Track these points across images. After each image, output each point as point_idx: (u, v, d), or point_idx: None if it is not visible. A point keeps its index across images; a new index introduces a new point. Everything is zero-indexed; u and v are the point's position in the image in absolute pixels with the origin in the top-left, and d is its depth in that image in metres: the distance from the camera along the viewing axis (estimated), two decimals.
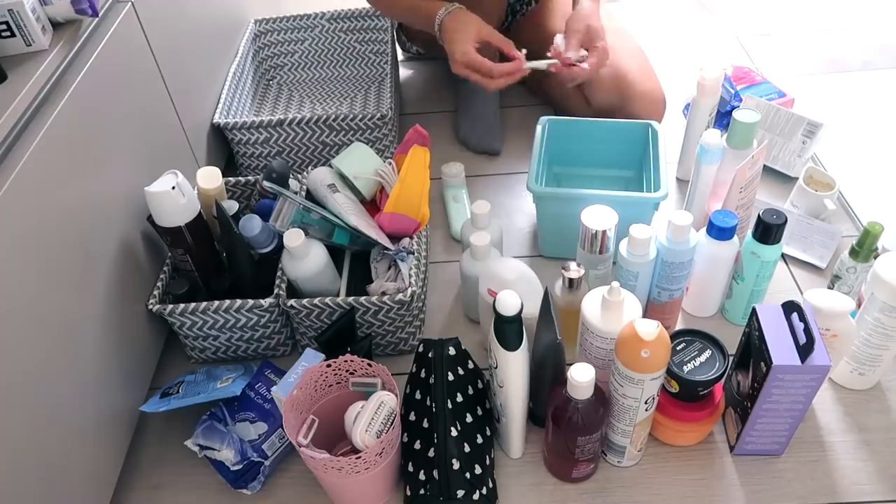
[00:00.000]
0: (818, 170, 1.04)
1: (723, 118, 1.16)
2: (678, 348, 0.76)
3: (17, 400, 0.62)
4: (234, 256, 0.89)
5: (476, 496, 0.72)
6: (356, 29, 1.36)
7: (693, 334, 0.77)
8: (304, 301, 0.84)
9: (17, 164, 0.64)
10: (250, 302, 0.85)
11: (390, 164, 0.95)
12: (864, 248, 0.85)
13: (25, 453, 0.63)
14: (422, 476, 0.73)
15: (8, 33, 0.72)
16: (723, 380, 0.77)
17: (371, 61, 1.39)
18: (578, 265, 0.83)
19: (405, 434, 0.77)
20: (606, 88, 1.12)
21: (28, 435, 0.63)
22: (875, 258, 0.84)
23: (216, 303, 0.85)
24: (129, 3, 0.87)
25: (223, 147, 1.17)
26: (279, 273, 0.88)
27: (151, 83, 0.93)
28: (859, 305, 0.81)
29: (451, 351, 0.77)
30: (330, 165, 0.97)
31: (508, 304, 0.68)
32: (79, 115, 0.74)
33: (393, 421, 0.71)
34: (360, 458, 0.68)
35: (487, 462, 0.76)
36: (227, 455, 0.78)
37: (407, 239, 0.90)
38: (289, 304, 0.84)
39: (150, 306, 0.85)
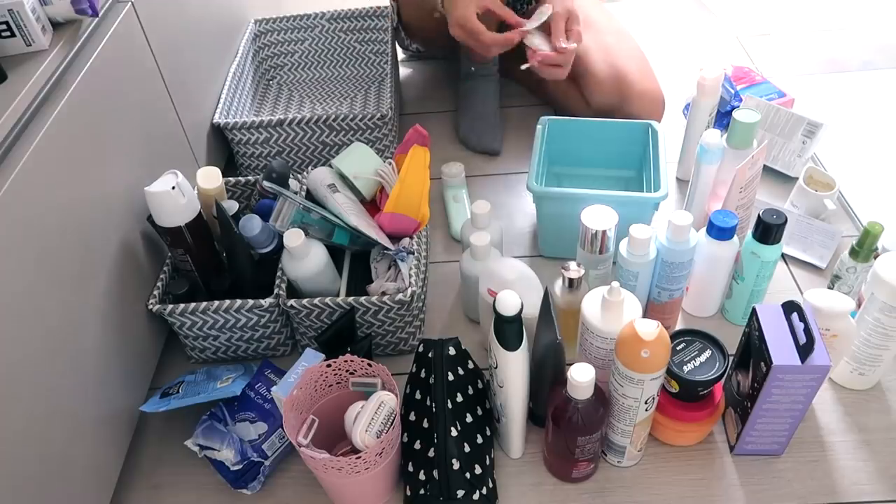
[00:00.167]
0: (818, 170, 1.04)
1: (723, 118, 1.16)
2: (678, 348, 0.76)
3: (18, 400, 0.62)
4: (234, 256, 0.89)
5: (476, 496, 0.72)
6: (356, 29, 1.36)
7: (693, 334, 0.77)
8: (304, 301, 0.84)
9: (17, 164, 0.64)
10: (250, 302, 0.85)
11: (390, 164, 0.95)
12: (864, 248, 0.85)
13: (26, 453, 0.63)
14: (422, 476, 0.73)
15: (8, 33, 0.72)
16: (723, 380, 0.77)
17: (371, 61, 1.39)
18: (578, 265, 0.83)
19: (405, 434, 0.77)
20: (606, 88, 1.12)
21: (28, 435, 0.63)
22: (875, 258, 0.84)
23: (216, 303, 0.85)
24: (129, 2, 0.87)
25: (223, 147, 1.17)
26: (279, 273, 0.88)
27: (151, 83, 0.93)
28: (859, 305, 0.81)
29: (451, 351, 0.77)
30: (330, 165, 0.97)
31: (508, 304, 0.68)
32: (79, 115, 0.74)
33: (393, 421, 0.71)
34: (360, 458, 0.68)
35: (487, 462, 0.76)
36: (227, 455, 0.78)
37: (407, 239, 0.90)
38: (289, 304, 0.84)
39: (150, 306, 0.85)
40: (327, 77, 1.40)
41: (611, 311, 0.73)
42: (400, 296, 0.83)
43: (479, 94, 1.26)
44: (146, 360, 0.88)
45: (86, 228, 0.75)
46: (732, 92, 1.17)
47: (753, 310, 0.74)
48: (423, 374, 0.77)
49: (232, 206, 0.94)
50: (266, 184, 0.91)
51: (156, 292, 0.87)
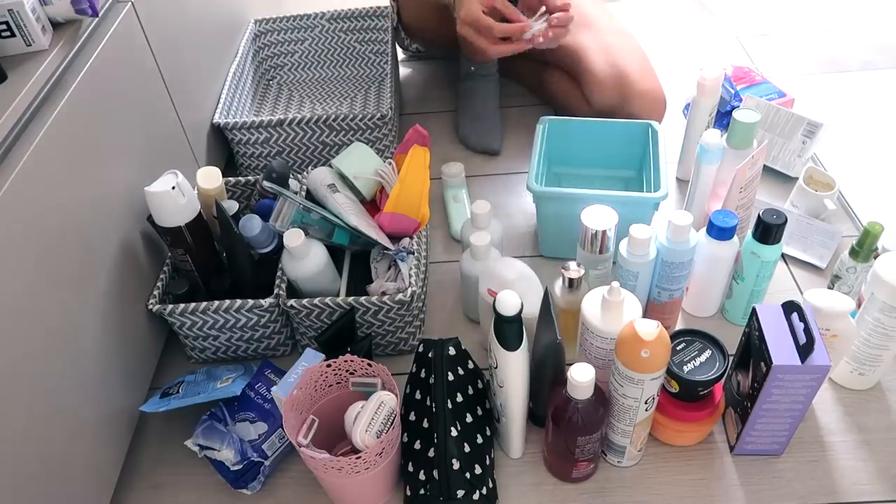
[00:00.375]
0: (818, 170, 1.04)
1: (723, 118, 1.16)
2: (678, 348, 0.76)
3: (18, 400, 0.62)
4: (234, 256, 0.89)
5: (476, 496, 0.72)
6: (356, 29, 1.36)
7: (693, 334, 0.77)
8: (304, 301, 0.84)
9: (17, 164, 0.64)
10: (250, 302, 0.85)
11: (390, 164, 0.95)
12: (864, 248, 0.85)
13: (26, 454, 0.63)
14: (422, 476, 0.73)
15: (8, 33, 0.72)
16: (723, 380, 0.77)
17: (371, 61, 1.39)
18: (578, 265, 0.83)
19: (405, 434, 0.77)
20: (607, 88, 1.12)
21: (28, 435, 0.63)
22: (875, 258, 0.84)
23: (216, 303, 0.85)
24: (129, 2, 0.87)
25: (223, 147, 1.17)
26: (279, 273, 0.88)
27: (151, 83, 0.93)
28: (859, 305, 0.81)
29: (451, 351, 0.77)
30: (330, 165, 0.97)
31: (508, 304, 0.68)
32: (79, 115, 0.74)
33: (393, 421, 0.71)
34: (360, 458, 0.68)
35: (487, 462, 0.76)
36: (227, 455, 0.78)
37: (407, 239, 0.90)
38: (289, 304, 0.84)
39: (150, 306, 0.85)
40: (327, 77, 1.40)
41: (611, 311, 0.73)
42: (400, 296, 0.83)
43: (478, 94, 1.26)
44: (146, 360, 0.88)
45: (86, 228, 0.75)
46: (732, 92, 1.17)
47: (753, 310, 0.74)
48: (423, 374, 0.77)
49: (232, 206, 0.94)
50: (266, 184, 0.91)
51: (156, 292, 0.87)
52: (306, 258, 0.85)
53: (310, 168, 1.00)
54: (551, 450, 0.77)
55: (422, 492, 0.72)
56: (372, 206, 0.98)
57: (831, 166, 1.15)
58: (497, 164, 1.23)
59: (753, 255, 0.85)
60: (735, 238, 0.85)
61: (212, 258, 0.91)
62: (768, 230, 0.82)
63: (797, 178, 1.06)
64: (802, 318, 0.70)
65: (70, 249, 0.71)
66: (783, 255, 1.02)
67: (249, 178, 1.02)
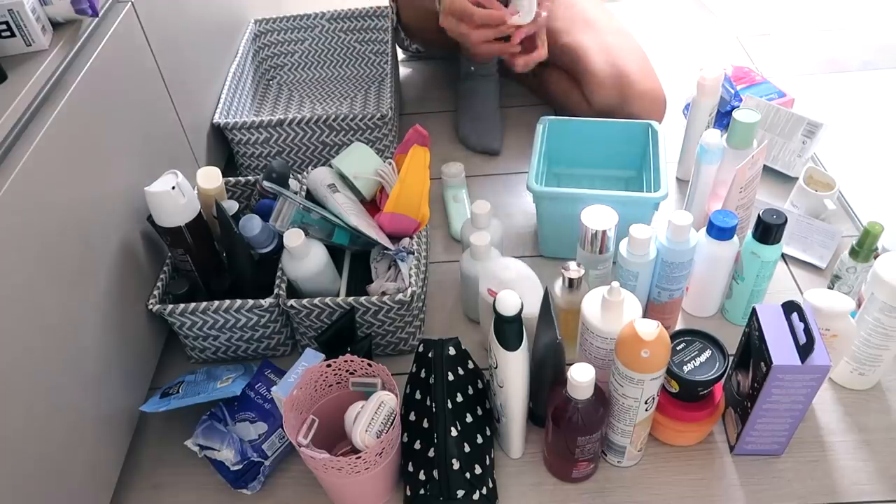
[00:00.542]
0: (818, 170, 1.04)
1: (723, 118, 1.16)
2: (678, 348, 0.76)
3: (18, 400, 0.62)
4: (234, 256, 0.89)
5: (476, 496, 0.72)
6: (356, 29, 1.36)
7: (693, 334, 0.77)
8: (304, 301, 0.84)
9: (17, 164, 0.64)
10: (250, 302, 0.85)
11: (390, 164, 0.95)
12: (864, 248, 0.85)
13: (25, 453, 0.63)
14: (422, 476, 0.73)
15: (8, 33, 0.72)
16: (723, 380, 0.77)
17: (371, 61, 1.39)
18: (578, 265, 0.83)
19: (405, 434, 0.77)
20: (607, 88, 1.12)
21: (28, 435, 0.63)
22: (875, 258, 0.84)
23: (216, 303, 0.85)
24: (129, 3, 0.87)
25: (223, 147, 1.17)
26: (279, 273, 0.88)
27: (151, 83, 0.93)
28: (859, 305, 0.81)
29: (451, 351, 0.77)
30: (330, 165, 0.97)
31: (508, 304, 0.68)
32: (79, 115, 0.74)
33: (393, 421, 0.71)
34: (360, 458, 0.68)
35: (487, 462, 0.76)
36: (227, 455, 0.78)
37: (407, 239, 0.90)
38: (289, 304, 0.84)
39: (150, 306, 0.85)
40: (327, 77, 1.40)
41: (611, 311, 0.73)
42: (400, 296, 0.83)
43: (478, 93, 1.26)
44: (146, 360, 0.88)
45: (86, 228, 0.75)
46: (732, 92, 1.17)
47: (753, 310, 0.74)
48: (423, 374, 0.77)
49: (232, 206, 0.94)
50: (266, 184, 0.91)
51: (156, 292, 0.87)
52: (306, 258, 0.85)
53: (310, 168, 1.00)
54: (551, 450, 0.77)
55: (422, 492, 0.72)
56: (372, 206, 0.98)
57: (831, 166, 1.15)
58: (497, 164, 1.23)
59: (753, 255, 0.85)
60: (735, 238, 0.85)
61: (212, 258, 0.91)
62: (768, 230, 0.82)
63: (797, 178, 1.06)
64: (802, 318, 0.70)
65: (70, 249, 0.71)
66: (783, 255, 1.02)
67: (249, 178, 1.02)
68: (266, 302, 0.85)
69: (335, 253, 0.91)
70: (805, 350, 0.69)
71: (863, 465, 0.79)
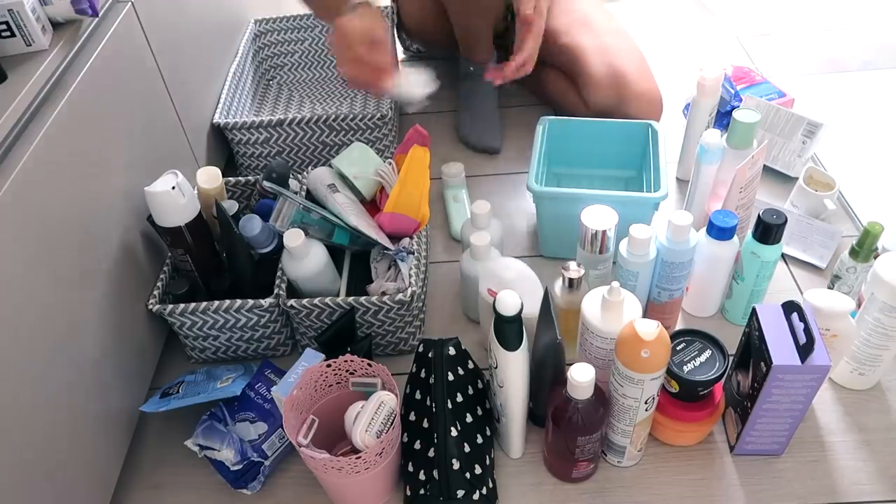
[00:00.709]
0: (818, 170, 1.04)
1: (723, 118, 1.16)
2: (678, 348, 0.76)
3: (18, 400, 0.62)
4: (234, 256, 0.89)
5: (476, 496, 0.72)
6: None
7: (693, 334, 0.77)
8: (304, 301, 0.84)
9: (17, 164, 0.64)
10: (250, 302, 0.85)
11: (390, 164, 0.95)
12: (864, 248, 0.85)
13: (26, 453, 0.63)
14: (422, 476, 0.73)
15: (8, 33, 0.72)
16: (723, 380, 0.77)
17: None
18: (578, 265, 0.83)
19: (405, 434, 0.77)
20: (603, 89, 1.12)
21: (28, 435, 0.63)
22: (875, 258, 0.84)
23: (216, 303, 0.85)
24: (129, 3, 0.87)
25: (223, 147, 1.17)
26: (279, 273, 0.88)
27: (151, 83, 0.93)
28: (859, 305, 0.81)
29: (451, 351, 0.76)
30: (330, 165, 0.97)
31: (508, 304, 0.68)
32: (79, 116, 0.74)
33: (393, 421, 0.71)
34: (360, 458, 0.68)
35: (487, 462, 0.76)
36: (227, 455, 0.78)
37: (407, 239, 0.90)
38: (289, 304, 0.84)
39: (150, 306, 0.85)
40: (327, 77, 1.40)
41: (611, 311, 0.73)
42: (400, 296, 0.83)
43: (478, 93, 1.26)
44: (146, 360, 0.88)
45: (86, 228, 0.75)
46: (732, 92, 1.17)
47: (753, 310, 0.74)
48: (423, 374, 0.77)
49: (232, 206, 0.94)
50: (266, 184, 0.91)
51: (156, 292, 0.87)
52: (306, 258, 0.85)
53: (310, 168, 1.00)
54: (551, 450, 0.77)
55: (422, 492, 0.72)
56: (372, 206, 0.98)
57: (831, 166, 1.15)
58: (497, 164, 1.23)
59: (753, 255, 0.85)
60: (735, 238, 0.85)
61: (212, 258, 0.91)
62: (768, 230, 0.82)
63: (797, 178, 1.06)
64: (802, 318, 0.70)
65: (70, 249, 0.71)
66: (783, 255, 1.02)
67: (249, 178, 1.02)
68: (266, 302, 0.85)
69: (335, 253, 0.91)
70: (805, 350, 0.69)
71: (863, 465, 0.79)
